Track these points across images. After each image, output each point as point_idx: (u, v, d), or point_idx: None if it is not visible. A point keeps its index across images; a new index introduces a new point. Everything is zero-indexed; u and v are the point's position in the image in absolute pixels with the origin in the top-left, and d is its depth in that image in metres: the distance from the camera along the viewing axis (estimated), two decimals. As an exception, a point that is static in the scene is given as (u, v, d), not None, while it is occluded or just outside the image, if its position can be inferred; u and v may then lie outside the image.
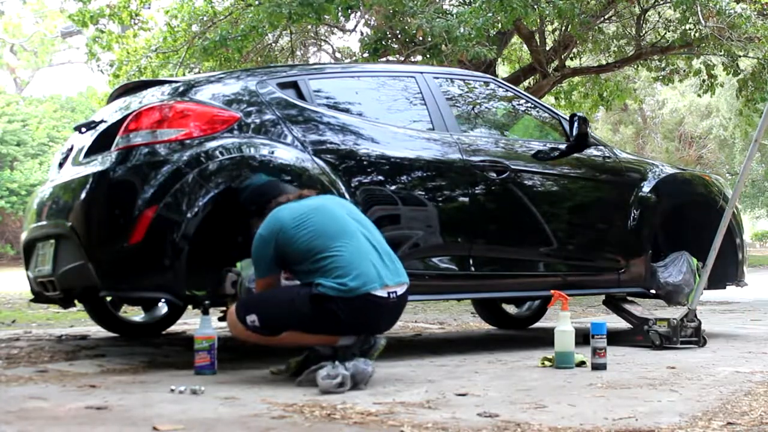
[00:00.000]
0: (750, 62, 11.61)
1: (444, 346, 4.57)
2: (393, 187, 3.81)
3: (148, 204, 3.24)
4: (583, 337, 3.82)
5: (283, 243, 3.00)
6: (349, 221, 3.07)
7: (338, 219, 3.06)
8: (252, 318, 2.97)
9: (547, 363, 3.51)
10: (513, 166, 4.17)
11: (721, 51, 10.53)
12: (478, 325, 5.90)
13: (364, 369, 2.83)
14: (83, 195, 3.38)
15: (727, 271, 4.94)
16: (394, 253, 3.13)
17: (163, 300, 4.52)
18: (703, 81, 12.00)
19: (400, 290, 3.03)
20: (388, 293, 2.97)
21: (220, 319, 3.72)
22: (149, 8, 11.12)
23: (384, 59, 10.29)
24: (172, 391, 2.70)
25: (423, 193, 3.89)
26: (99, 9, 10.47)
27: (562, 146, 4.44)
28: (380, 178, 3.79)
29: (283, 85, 3.79)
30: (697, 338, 4.26)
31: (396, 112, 4.16)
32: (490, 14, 8.40)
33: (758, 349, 4.17)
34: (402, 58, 10.14)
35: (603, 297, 4.85)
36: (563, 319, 3.47)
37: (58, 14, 25.12)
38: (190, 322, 5.47)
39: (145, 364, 3.47)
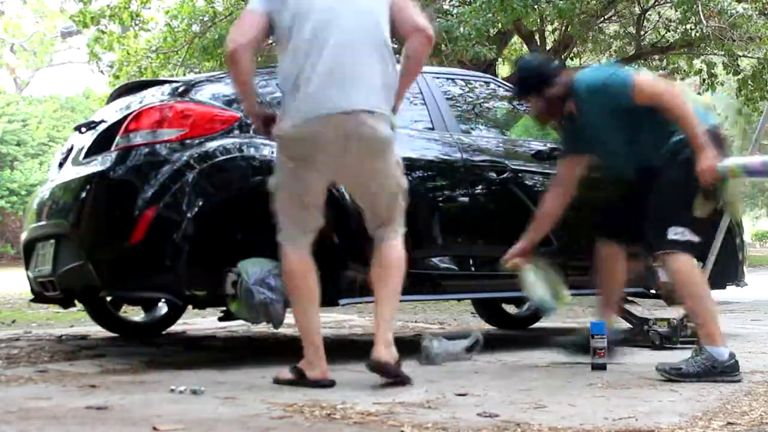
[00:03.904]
0: (750, 62, 11.61)
1: (444, 346, 4.55)
2: (393, 187, 3.80)
3: (148, 204, 3.23)
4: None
5: None
6: None
7: None
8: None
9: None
10: (513, 166, 4.17)
11: (722, 51, 10.54)
12: (478, 325, 5.90)
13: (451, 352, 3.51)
14: (83, 195, 3.38)
15: (727, 271, 4.94)
16: None
17: (163, 300, 4.52)
18: (704, 80, 12.01)
19: None
20: None
21: (220, 319, 3.72)
22: (149, 9, 11.13)
23: (384, 59, 10.27)
24: (172, 391, 2.70)
25: (423, 192, 3.89)
26: (100, 9, 10.48)
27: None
28: (380, 178, 3.78)
29: (283, 85, 3.78)
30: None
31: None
32: (490, 14, 8.41)
33: (758, 349, 4.17)
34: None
35: (603, 297, 4.84)
36: (527, 272, 3.50)
37: (58, 14, 25.15)
38: (190, 322, 5.47)
39: (145, 364, 3.46)
